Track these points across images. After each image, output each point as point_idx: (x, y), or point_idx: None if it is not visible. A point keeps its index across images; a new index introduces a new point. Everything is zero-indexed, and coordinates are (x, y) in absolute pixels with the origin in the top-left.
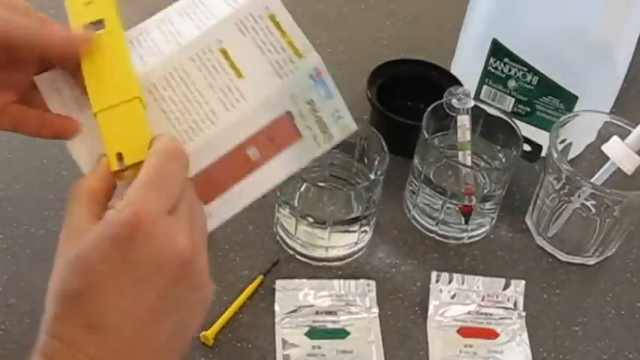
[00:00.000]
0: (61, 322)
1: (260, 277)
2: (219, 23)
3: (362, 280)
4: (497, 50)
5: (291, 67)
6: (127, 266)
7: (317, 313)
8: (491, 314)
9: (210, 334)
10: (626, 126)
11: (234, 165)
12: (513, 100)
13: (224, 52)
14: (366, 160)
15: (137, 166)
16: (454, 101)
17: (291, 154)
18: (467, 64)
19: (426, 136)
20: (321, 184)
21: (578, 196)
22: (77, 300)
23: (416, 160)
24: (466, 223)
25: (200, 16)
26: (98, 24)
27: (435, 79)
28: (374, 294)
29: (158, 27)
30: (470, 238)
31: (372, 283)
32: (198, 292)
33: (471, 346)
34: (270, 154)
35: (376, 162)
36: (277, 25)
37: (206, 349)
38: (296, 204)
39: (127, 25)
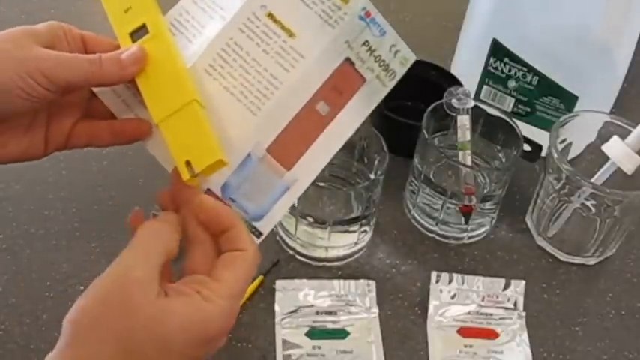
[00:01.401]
0: None
1: (260, 277)
2: None
3: (362, 280)
4: (497, 50)
5: (339, 14)
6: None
7: (317, 313)
8: (491, 314)
9: None
10: (626, 126)
11: (308, 123)
12: (513, 100)
13: (270, 16)
14: (366, 160)
15: (206, 170)
16: (454, 101)
17: (359, 99)
18: (467, 64)
19: (426, 136)
20: (321, 184)
21: (578, 196)
22: None
23: (416, 160)
24: (466, 223)
25: None
26: (141, 30)
27: (435, 79)
28: (374, 294)
29: (195, 3)
30: (470, 238)
31: (372, 283)
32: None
33: (471, 346)
34: (339, 105)
35: (376, 162)
36: None
37: None
38: (296, 204)
39: None
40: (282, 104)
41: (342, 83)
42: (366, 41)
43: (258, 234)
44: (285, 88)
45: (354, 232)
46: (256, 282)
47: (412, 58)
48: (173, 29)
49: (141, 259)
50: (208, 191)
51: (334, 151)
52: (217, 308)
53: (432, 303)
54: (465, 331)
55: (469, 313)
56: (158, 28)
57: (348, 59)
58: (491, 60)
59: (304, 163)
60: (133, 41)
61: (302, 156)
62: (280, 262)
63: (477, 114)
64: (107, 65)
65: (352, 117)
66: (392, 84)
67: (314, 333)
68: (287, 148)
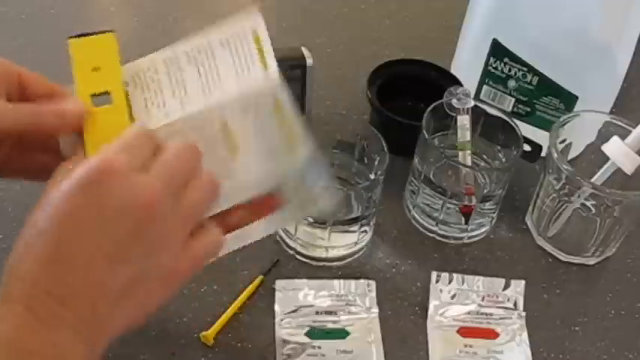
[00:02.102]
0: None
1: (260, 277)
2: (224, 99)
3: (362, 280)
4: (497, 50)
5: (286, 158)
6: (88, 208)
7: (317, 313)
8: (491, 314)
9: (210, 334)
10: (626, 126)
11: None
12: (513, 100)
13: (224, 125)
14: (366, 160)
15: None
16: (454, 101)
17: (274, 217)
18: (467, 64)
19: (426, 136)
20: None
21: (578, 196)
22: (37, 234)
23: (416, 160)
24: (466, 223)
25: (207, 74)
26: (104, 96)
27: (435, 79)
28: (374, 294)
29: (166, 67)
30: (470, 238)
31: (372, 283)
32: (159, 254)
33: (471, 346)
34: (253, 219)
35: (376, 162)
36: (280, 112)
37: (206, 349)
38: None
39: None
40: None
41: (263, 204)
42: (303, 180)
43: None
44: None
45: (354, 232)
46: (256, 282)
47: (333, 202)
48: (136, 80)
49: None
50: None
51: (230, 250)
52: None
53: (432, 303)
54: (465, 331)
55: (469, 313)
56: (121, 101)
57: (277, 189)
58: (491, 60)
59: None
60: (93, 104)
61: None
62: (280, 262)
63: (477, 114)
64: (50, 118)
65: (260, 230)
66: (308, 214)
67: (314, 333)
68: None
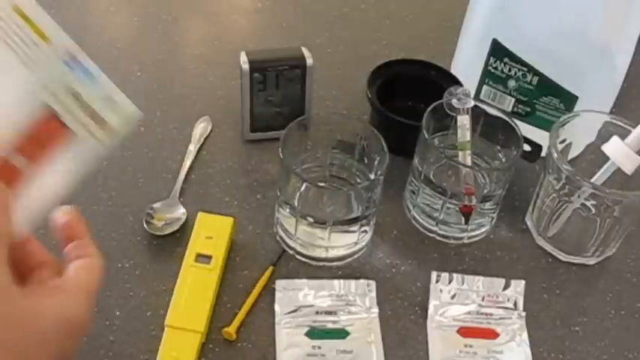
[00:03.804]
0: None
1: (271, 268)
2: None
3: (362, 280)
4: (497, 50)
5: (37, 53)
6: None
7: (317, 313)
8: (491, 314)
9: (232, 329)
10: (626, 126)
11: (3, 178)
12: (513, 100)
13: None
14: (366, 160)
15: None
16: (454, 101)
17: (68, 155)
18: (467, 64)
19: (426, 136)
20: (321, 184)
21: (578, 196)
22: None
23: (416, 160)
24: (466, 223)
25: None
26: (207, 257)
27: (435, 79)
28: (374, 294)
29: None
30: (470, 238)
31: (372, 283)
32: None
33: (471, 346)
34: (40, 159)
35: (376, 162)
36: (25, 17)
37: (206, 349)
38: (296, 204)
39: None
40: None
41: (42, 135)
42: (71, 88)
43: None
44: None
45: (354, 232)
46: (267, 273)
47: (136, 114)
48: None
49: None
50: None
51: (39, 215)
52: (81, 303)
53: (432, 303)
54: (465, 331)
55: (469, 313)
56: (218, 265)
57: (50, 108)
58: (491, 60)
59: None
60: (195, 261)
61: None
62: (280, 262)
63: (477, 114)
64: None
65: (60, 174)
66: (111, 143)
67: (314, 333)
68: None
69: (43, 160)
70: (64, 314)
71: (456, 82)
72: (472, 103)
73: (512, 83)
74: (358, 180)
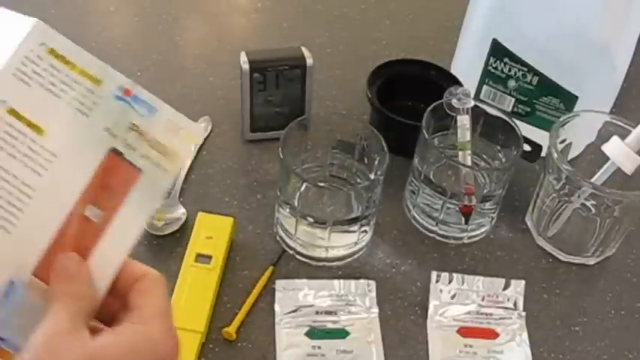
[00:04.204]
0: None
1: (270, 268)
2: None
3: (362, 280)
4: (497, 50)
5: (92, 98)
6: None
7: (317, 313)
8: (491, 314)
9: (232, 329)
10: (626, 126)
11: (78, 234)
12: (513, 100)
13: (13, 112)
14: (366, 160)
15: None
16: (454, 101)
17: (138, 194)
18: (467, 64)
19: (426, 136)
20: (321, 184)
21: (578, 196)
22: None
23: (416, 160)
24: (466, 223)
25: None
26: (207, 257)
27: (435, 79)
28: (374, 294)
29: None
30: (470, 238)
31: (372, 283)
32: None
33: (471, 346)
34: (113, 206)
35: (376, 162)
36: (62, 58)
37: (206, 349)
38: (296, 204)
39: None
40: (41, 215)
41: (112, 180)
42: (133, 124)
43: None
44: (40, 196)
45: (354, 232)
46: (267, 273)
47: (198, 130)
48: None
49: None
50: None
51: (121, 259)
52: (155, 327)
53: (432, 303)
54: (464, 331)
55: (469, 313)
56: (218, 266)
57: (114, 150)
58: (491, 60)
59: None
60: (195, 261)
61: None
62: (280, 262)
63: (477, 114)
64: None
65: (135, 217)
66: (176, 168)
67: (314, 333)
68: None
69: (115, 204)
70: (135, 340)
71: (456, 82)
72: (472, 103)
73: (512, 83)
74: (358, 180)
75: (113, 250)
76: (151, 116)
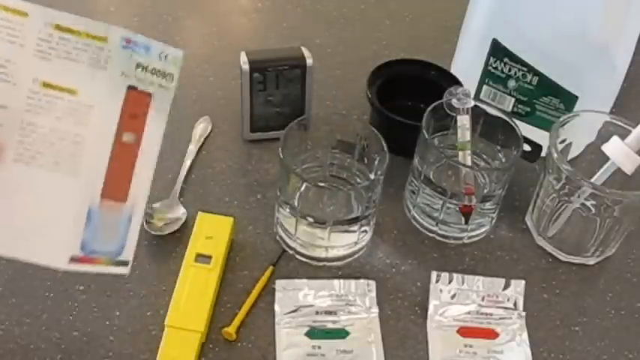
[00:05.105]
0: None
1: (270, 268)
2: (21, 63)
3: (362, 280)
4: (497, 50)
5: (104, 54)
6: None
7: (317, 313)
8: (491, 314)
9: (232, 329)
10: (626, 126)
11: (123, 157)
12: (513, 100)
13: (47, 85)
14: (366, 160)
15: None
16: (454, 101)
17: (153, 112)
18: (467, 64)
19: (426, 136)
20: (321, 184)
21: (578, 196)
22: None
23: (416, 160)
24: (466, 223)
25: None
26: (207, 257)
27: (435, 79)
28: (374, 294)
29: None
30: (470, 238)
31: (372, 283)
32: None
33: (471, 346)
34: (141, 127)
35: (376, 162)
36: (68, 30)
37: (206, 349)
38: (296, 204)
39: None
40: (95, 153)
41: (134, 108)
42: (138, 63)
43: (125, 263)
44: (90, 140)
45: (354, 232)
46: (267, 273)
47: (180, 54)
48: None
49: None
50: (72, 258)
51: (154, 162)
52: None
53: (432, 303)
54: (464, 331)
55: (469, 313)
56: (218, 265)
57: (130, 87)
58: (491, 60)
59: (135, 189)
60: (195, 261)
61: (130, 184)
62: (280, 262)
63: (477, 114)
64: None
65: (155, 128)
66: (174, 85)
67: (314, 333)
68: (115, 185)
69: (141, 125)
70: None
71: (456, 82)
72: (472, 103)
73: (512, 83)
74: (358, 180)
75: (147, 164)
76: (148, 53)
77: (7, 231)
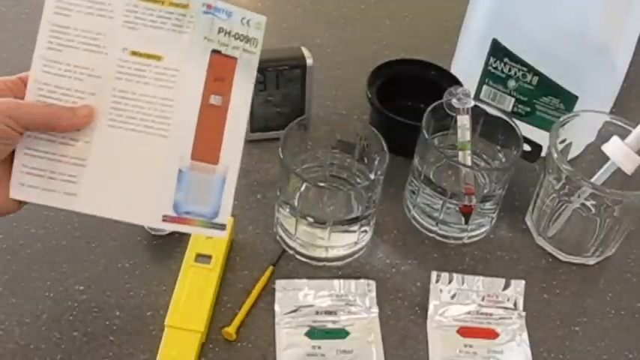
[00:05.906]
0: None
1: (270, 268)
2: (111, 34)
3: (362, 280)
4: (497, 50)
5: (186, 20)
6: None
7: (317, 313)
8: (491, 314)
9: (232, 329)
10: (626, 126)
11: (211, 119)
12: (513, 100)
13: (135, 53)
14: (366, 160)
15: None
16: (454, 101)
17: (240, 76)
18: (467, 64)
19: (426, 136)
20: (321, 184)
21: (578, 196)
22: None
23: (416, 160)
24: (466, 223)
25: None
26: (207, 257)
27: (435, 79)
28: (374, 294)
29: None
30: (470, 238)
31: (372, 283)
32: None
33: (471, 346)
34: (227, 90)
35: (376, 162)
36: (155, 0)
37: (206, 349)
38: (296, 204)
39: None
40: (183, 115)
41: (220, 72)
42: (220, 28)
43: (222, 226)
44: (178, 102)
45: (354, 232)
46: (267, 273)
47: (263, 19)
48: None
49: None
50: (165, 218)
51: (244, 126)
52: None
53: (432, 303)
54: (464, 331)
55: (469, 313)
56: (218, 266)
57: (214, 51)
58: (491, 60)
59: (226, 151)
60: (195, 261)
61: (221, 147)
62: (280, 262)
63: (476, 114)
64: (63, 111)
65: (243, 92)
66: (259, 49)
67: (314, 333)
68: (206, 147)
69: (228, 88)
70: None
71: (456, 82)
72: (472, 103)
73: (512, 83)
74: (358, 180)
75: (237, 127)
76: (230, 18)
77: (102, 192)
